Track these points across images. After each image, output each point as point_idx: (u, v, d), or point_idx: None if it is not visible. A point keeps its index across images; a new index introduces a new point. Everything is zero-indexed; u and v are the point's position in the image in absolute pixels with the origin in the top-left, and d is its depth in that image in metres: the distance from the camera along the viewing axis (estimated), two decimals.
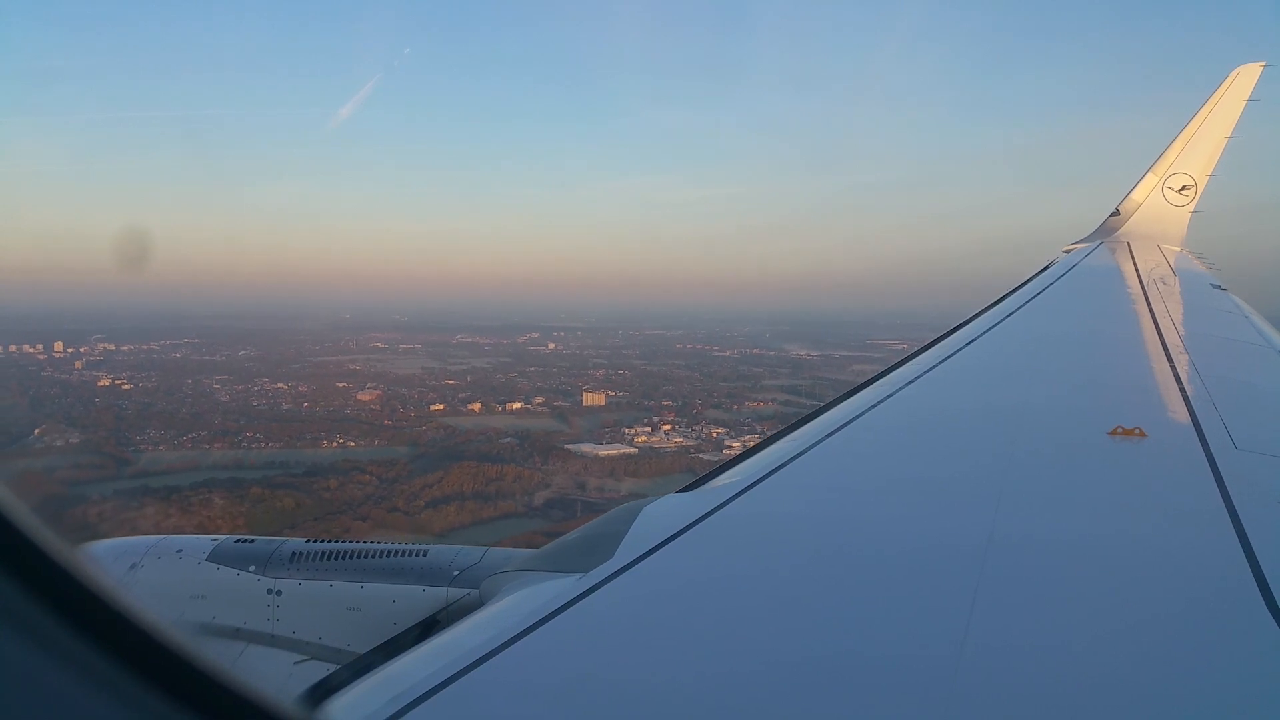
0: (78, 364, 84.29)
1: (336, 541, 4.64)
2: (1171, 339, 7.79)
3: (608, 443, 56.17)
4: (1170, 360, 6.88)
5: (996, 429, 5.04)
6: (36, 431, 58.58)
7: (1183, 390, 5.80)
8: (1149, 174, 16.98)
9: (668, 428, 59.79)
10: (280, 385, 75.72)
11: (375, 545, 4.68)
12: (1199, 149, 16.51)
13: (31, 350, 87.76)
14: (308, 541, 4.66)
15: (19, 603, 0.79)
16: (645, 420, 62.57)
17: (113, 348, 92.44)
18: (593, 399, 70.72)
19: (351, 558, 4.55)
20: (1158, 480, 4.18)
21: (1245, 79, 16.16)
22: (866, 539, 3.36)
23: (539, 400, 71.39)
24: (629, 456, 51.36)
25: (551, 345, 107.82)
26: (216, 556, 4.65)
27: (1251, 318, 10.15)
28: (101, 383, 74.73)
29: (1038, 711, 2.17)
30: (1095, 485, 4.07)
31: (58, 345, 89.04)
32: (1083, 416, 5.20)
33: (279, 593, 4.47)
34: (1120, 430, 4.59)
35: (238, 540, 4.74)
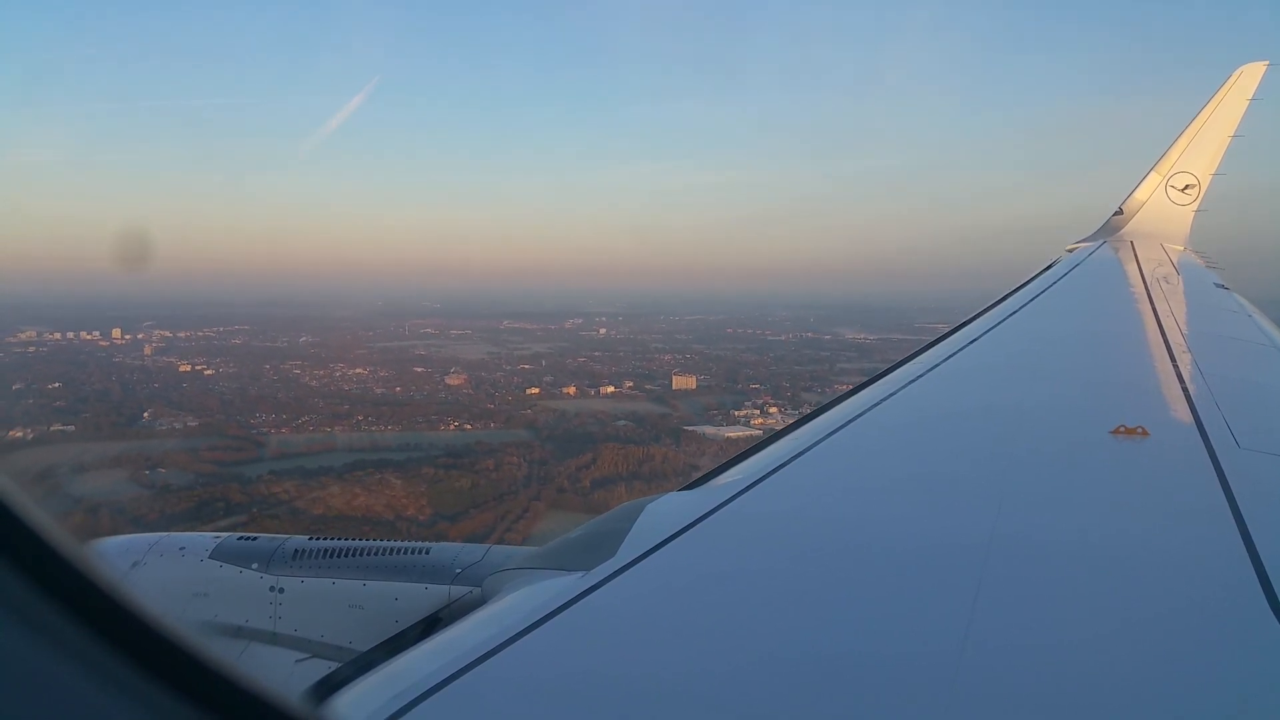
0: (147, 349, 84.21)
1: (339, 539, 4.63)
2: (1174, 338, 7.77)
3: (724, 425, 56.16)
4: (1173, 359, 6.86)
5: (999, 428, 5.03)
6: (146, 415, 58.52)
7: (1185, 389, 5.78)
8: (1152, 173, 17.00)
9: (775, 410, 59.83)
10: (359, 370, 75.70)
11: (377, 543, 4.68)
12: (1202, 148, 16.55)
13: (89, 337, 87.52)
14: (310, 539, 4.65)
15: (25, 598, 0.80)
16: (746, 403, 62.55)
17: (169, 334, 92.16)
18: (683, 382, 70.92)
19: (354, 555, 4.55)
20: (1160, 479, 4.16)
21: (1248, 78, 16.22)
22: (869, 537, 3.36)
23: (628, 384, 71.46)
24: (755, 439, 51.37)
25: (602, 331, 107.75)
26: (219, 554, 4.63)
27: (1255, 316, 10.12)
28: (182, 368, 74.61)
29: (1040, 710, 2.17)
30: (1097, 484, 4.06)
31: (116, 332, 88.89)
32: (1085, 415, 5.19)
33: (281, 590, 4.45)
34: (1123, 429, 4.56)
35: (240, 538, 4.73)
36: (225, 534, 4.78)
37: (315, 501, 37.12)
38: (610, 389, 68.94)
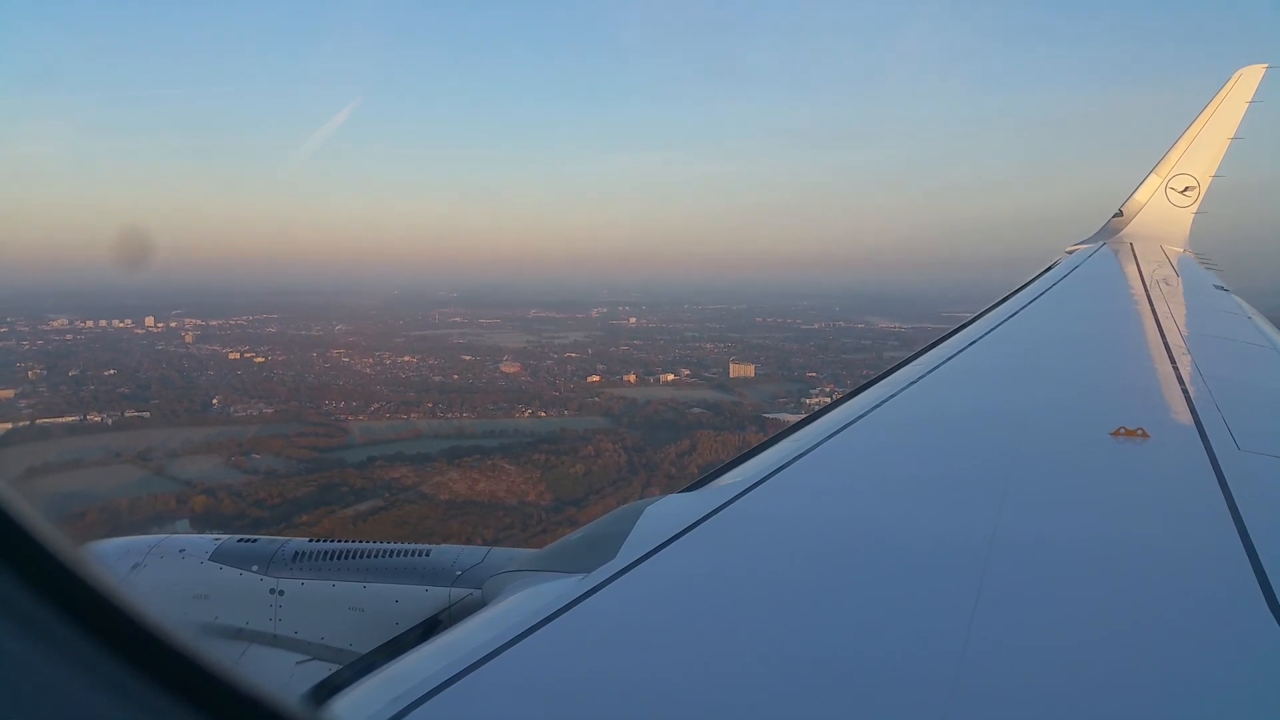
0: (187, 337, 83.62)
1: (339, 541, 4.65)
2: (1174, 339, 7.78)
3: (800, 412, 56.10)
4: (1173, 361, 6.87)
5: (999, 430, 5.04)
6: (215, 401, 58.11)
7: (1185, 391, 5.79)
8: (1152, 175, 17.00)
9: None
10: (407, 358, 75.34)
11: (378, 545, 4.69)
12: (1202, 150, 16.60)
13: (122, 325, 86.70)
14: (310, 541, 4.66)
15: (24, 601, 0.79)
16: (813, 391, 62.52)
17: (201, 322, 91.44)
18: (741, 370, 71.14)
19: (354, 557, 4.56)
20: (1160, 481, 4.17)
21: (1248, 80, 16.28)
22: (870, 539, 3.37)
23: (685, 372, 71.49)
24: None
25: (633, 320, 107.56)
26: (219, 556, 4.63)
27: (1254, 319, 10.11)
28: (231, 355, 74.12)
29: (1041, 711, 2.19)
30: (1098, 486, 4.07)
31: (149, 320, 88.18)
32: (1085, 417, 5.19)
33: (282, 593, 4.45)
34: (1123, 431, 4.58)
35: (240, 540, 4.73)
36: (224, 536, 4.75)
37: (439, 487, 36.93)
38: (670, 377, 69.01)
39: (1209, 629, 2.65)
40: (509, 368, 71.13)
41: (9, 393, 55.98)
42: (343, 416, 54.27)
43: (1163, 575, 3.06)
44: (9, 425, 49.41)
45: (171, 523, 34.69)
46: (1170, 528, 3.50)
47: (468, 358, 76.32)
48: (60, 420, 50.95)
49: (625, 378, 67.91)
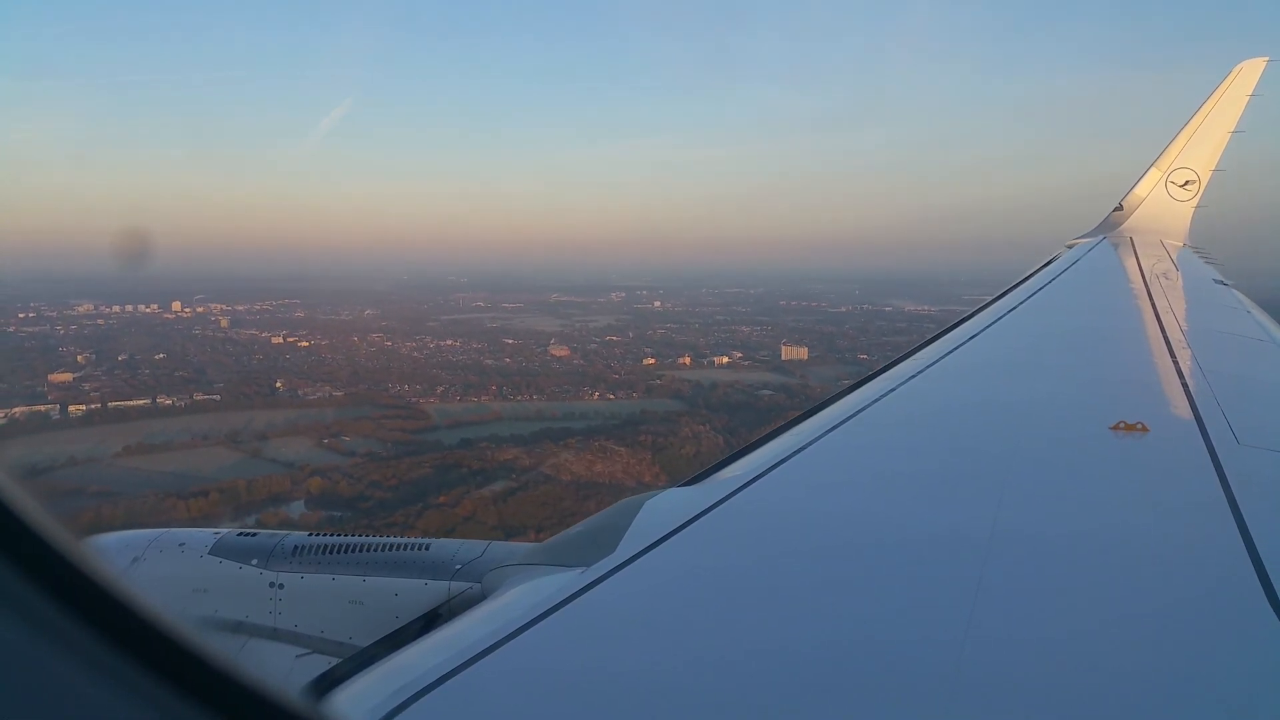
0: (222, 322, 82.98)
1: (338, 535, 4.70)
2: (1174, 334, 7.84)
3: None
4: (1173, 355, 6.93)
5: (999, 423, 5.09)
6: (278, 385, 57.55)
7: (1185, 385, 5.83)
8: (1152, 169, 16.99)
9: None
10: (449, 342, 74.91)
11: (377, 539, 4.72)
12: (1202, 144, 16.63)
13: (148, 310, 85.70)
14: (310, 535, 4.71)
15: (26, 595, 0.79)
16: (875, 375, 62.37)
17: (227, 307, 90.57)
18: (793, 353, 71.12)
19: (354, 551, 4.58)
20: (1160, 475, 4.22)
21: (1248, 74, 16.28)
22: (870, 533, 3.40)
23: (737, 355, 71.40)
24: None
25: (657, 304, 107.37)
26: (219, 550, 4.65)
27: (1254, 313, 10.14)
28: (275, 340, 73.41)
29: (1040, 705, 2.20)
30: (1097, 480, 4.12)
31: (176, 304, 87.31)
32: (1085, 411, 5.22)
33: (281, 586, 4.48)
34: (1123, 425, 4.62)
35: (240, 534, 4.77)
36: (224, 530, 4.78)
37: (557, 468, 36.74)
38: (724, 359, 69.01)
39: (1208, 623, 2.67)
40: (558, 351, 70.86)
41: (67, 376, 55.45)
42: (412, 399, 53.88)
43: (1162, 569, 3.08)
44: (83, 407, 49.06)
45: (287, 504, 34.47)
46: (1170, 522, 3.51)
47: (510, 341, 76.03)
48: (132, 403, 50.41)
49: (680, 360, 67.76)
